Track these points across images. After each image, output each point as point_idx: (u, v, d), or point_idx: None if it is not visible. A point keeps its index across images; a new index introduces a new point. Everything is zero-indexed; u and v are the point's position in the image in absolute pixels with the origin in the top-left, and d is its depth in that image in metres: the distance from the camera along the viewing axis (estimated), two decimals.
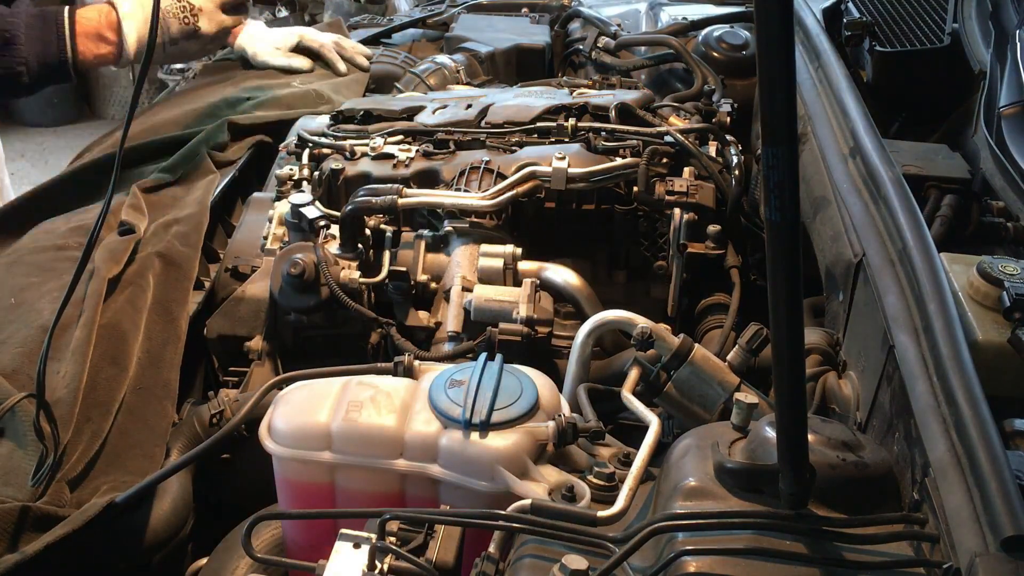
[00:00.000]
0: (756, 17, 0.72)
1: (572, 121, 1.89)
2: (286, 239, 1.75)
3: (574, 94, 2.05)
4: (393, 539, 1.06)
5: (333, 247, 1.68)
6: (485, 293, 1.58)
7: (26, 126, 5.37)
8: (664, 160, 1.83)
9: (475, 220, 1.71)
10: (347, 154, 1.88)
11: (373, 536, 1.03)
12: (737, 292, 1.68)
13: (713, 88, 2.20)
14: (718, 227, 1.72)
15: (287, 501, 1.29)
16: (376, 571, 1.01)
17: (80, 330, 1.46)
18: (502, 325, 1.52)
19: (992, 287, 1.17)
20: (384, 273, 1.67)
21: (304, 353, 1.70)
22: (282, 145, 2.07)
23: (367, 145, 1.88)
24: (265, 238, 1.80)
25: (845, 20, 1.96)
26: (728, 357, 1.41)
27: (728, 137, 1.92)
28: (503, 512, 1.01)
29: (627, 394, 1.32)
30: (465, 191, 1.74)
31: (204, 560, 1.40)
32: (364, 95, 2.44)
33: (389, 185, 1.71)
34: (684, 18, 2.62)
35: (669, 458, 1.07)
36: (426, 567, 1.02)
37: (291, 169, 1.92)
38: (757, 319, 1.43)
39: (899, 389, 1.07)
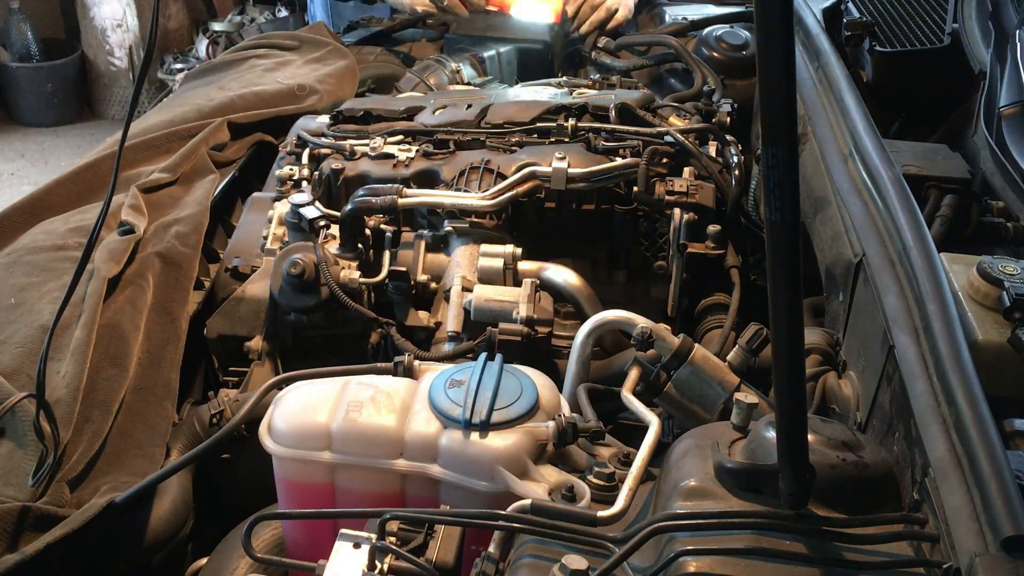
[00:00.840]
0: (756, 17, 0.72)
1: (572, 121, 1.89)
2: (286, 239, 1.75)
3: (574, 94, 2.06)
4: (393, 539, 1.06)
5: (333, 247, 1.68)
6: (485, 293, 1.58)
7: (26, 126, 5.37)
8: (664, 160, 1.83)
9: (475, 220, 1.71)
10: (347, 154, 1.88)
11: (373, 536, 1.03)
12: (737, 292, 1.68)
13: (713, 88, 2.20)
14: (718, 227, 1.72)
15: (287, 501, 1.29)
16: (376, 571, 1.01)
17: (80, 330, 1.46)
18: (502, 325, 1.52)
19: (992, 287, 1.17)
20: (384, 273, 1.67)
21: (304, 353, 1.70)
22: (282, 145, 2.07)
23: (367, 145, 1.88)
24: (265, 238, 1.81)
25: (845, 20, 1.96)
26: (728, 357, 1.41)
27: (728, 137, 1.92)
28: (503, 512, 1.01)
29: (627, 394, 1.32)
30: (465, 191, 1.74)
31: (204, 560, 1.40)
32: (364, 94, 2.44)
33: (389, 185, 1.71)
34: (684, 18, 2.62)
35: (669, 458, 1.07)
36: (426, 567, 1.02)
37: (291, 169, 1.92)
38: (757, 319, 1.43)
39: (899, 389, 1.07)
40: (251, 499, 1.33)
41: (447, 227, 1.72)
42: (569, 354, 1.46)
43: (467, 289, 1.61)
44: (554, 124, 1.89)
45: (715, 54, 2.39)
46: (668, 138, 1.83)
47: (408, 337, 1.62)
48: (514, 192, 1.71)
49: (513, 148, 1.85)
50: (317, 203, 1.70)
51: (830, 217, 1.47)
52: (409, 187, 1.73)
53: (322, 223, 1.68)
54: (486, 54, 2.58)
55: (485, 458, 1.16)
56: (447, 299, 1.62)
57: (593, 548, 0.98)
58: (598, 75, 2.40)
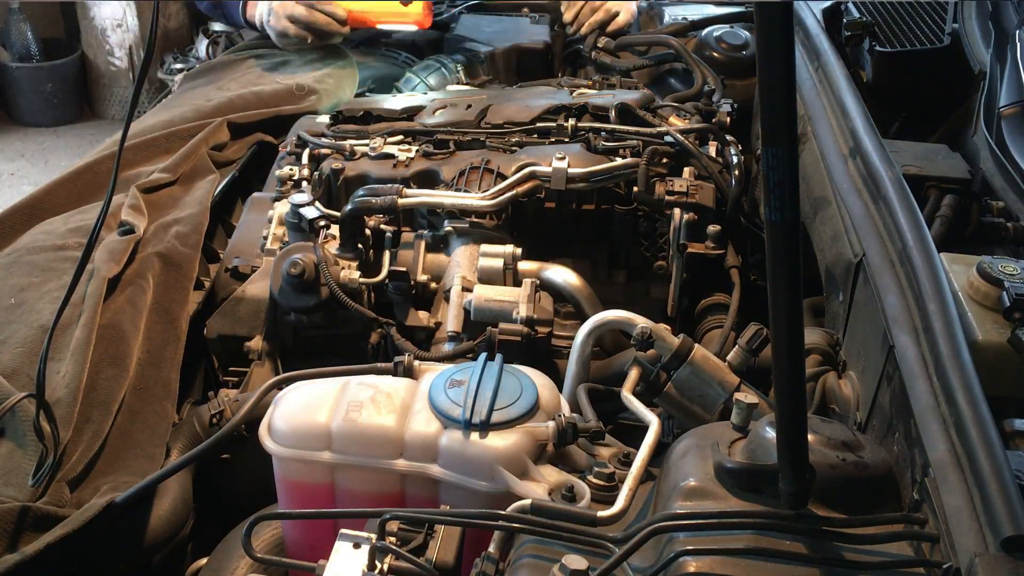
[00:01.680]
0: (756, 18, 0.72)
1: (572, 121, 1.89)
2: (286, 239, 1.75)
3: (574, 94, 2.05)
4: (393, 539, 1.06)
5: (333, 247, 1.68)
6: (485, 293, 1.58)
7: (26, 126, 5.36)
8: (664, 160, 1.83)
9: (475, 220, 1.71)
10: (347, 154, 1.88)
11: (373, 536, 1.03)
12: (737, 292, 1.68)
13: (713, 88, 2.20)
14: (718, 227, 1.72)
15: (287, 501, 1.29)
16: (376, 571, 1.01)
17: (80, 330, 1.46)
18: (502, 325, 1.52)
19: (992, 287, 1.17)
20: (384, 273, 1.67)
21: (304, 353, 1.70)
22: (282, 145, 2.07)
23: (367, 145, 1.88)
24: (265, 238, 1.81)
25: (845, 20, 1.96)
26: (728, 357, 1.41)
27: (728, 137, 1.92)
28: (503, 512, 1.01)
29: (627, 394, 1.32)
30: (465, 191, 1.74)
31: (204, 560, 1.40)
32: (364, 94, 2.44)
33: (389, 185, 1.71)
34: (684, 18, 2.62)
35: (669, 458, 1.07)
36: (426, 567, 1.02)
37: (291, 169, 1.92)
38: (757, 319, 1.43)
39: (899, 389, 1.07)
40: (251, 499, 1.33)
41: (447, 227, 1.72)
42: (569, 354, 1.46)
43: (467, 289, 1.61)
44: (554, 124, 1.89)
45: (715, 54, 2.39)
46: (668, 138, 1.83)
47: (408, 337, 1.62)
48: (514, 192, 1.71)
49: (513, 148, 1.85)
50: (317, 203, 1.71)
51: (830, 217, 1.47)
52: (409, 187, 1.73)
53: (322, 223, 1.68)
54: (486, 53, 2.58)
55: (485, 458, 1.16)
56: (447, 299, 1.62)
57: (593, 548, 0.97)
58: (598, 75, 2.40)
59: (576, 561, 0.91)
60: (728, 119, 2.01)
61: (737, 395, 1.09)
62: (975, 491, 0.87)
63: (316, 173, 1.88)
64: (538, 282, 1.62)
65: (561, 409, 1.26)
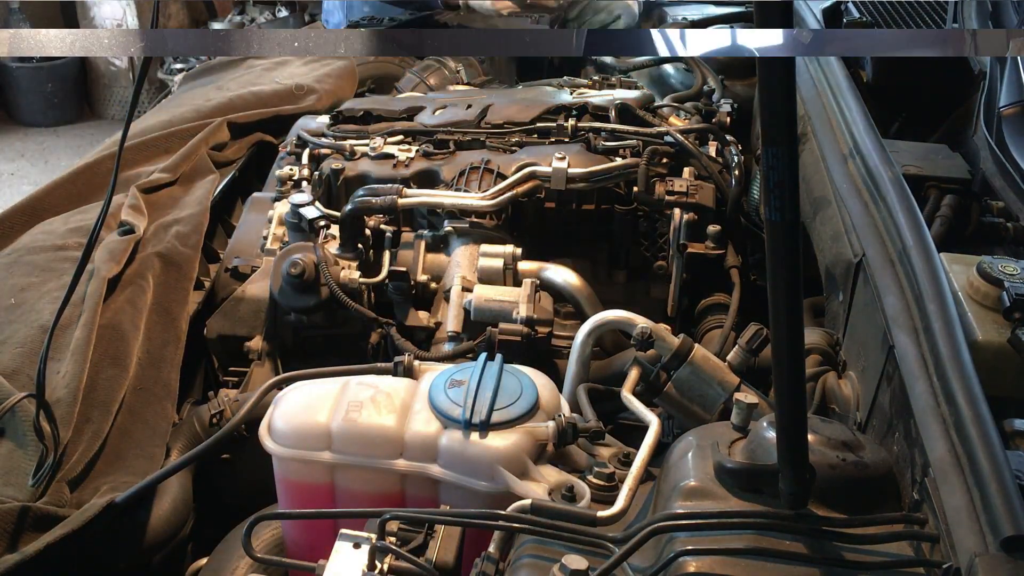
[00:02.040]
0: (756, 18, 0.72)
1: (572, 121, 1.89)
2: (286, 239, 1.75)
3: (574, 94, 2.06)
4: (393, 539, 1.06)
5: (333, 247, 1.68)
6: (485, 293, 1.58)
7: (26, 126, 5.37)
8: (664, 160, 1.83)
9: (475, 220, 1.71)
10: (347, 154, 1.88)
11: (373, 536, 1.03)
12: (737, 292, 1.68)
13: (713, 88, 2.20)
14: (718, 227, 1.72)
15: (287, 501, 1.29)
16: (376, 571, 1.01)
17: (80, 330, 1.46)
18: (502, 325, 1.52)
19: (992, 287, 1.17)
20: (384, 273, 1.67)
21: (304, 353, 1.70)
22: (282, 145, 2.07)
23: (367, 145, 1.88)
24: (265, 238, 1.81)
25: (845, 20, 1.97)
26: (728, 357, 1.41)
27: (728, 137, 1.92)
28: (503, 512, 1.01)
29: (627, 394, 1.32)
30: (465, 191, 1.74)
31: (204, 560, 1.40)
32: (364, 94, 2.44)
33: (389, 185, 1.71)
34: (684, 18, 2.63)
35: (669, 458, 1.07)
36: (426, 567, 1.02)
37: (291, 169, 1.92)
38: (757, 319, 1.43)
39: (899, 389, 1.07)
40: (251, 499, 1.33)
41: (447, 227, 1.72)
42: (569, 354, 1.46)
43: (467, 289, 1.61)
44: (554, 124, 1.89)
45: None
46: (668, 138, 1.83)
47: (408, 337, 1.62)
48: (514, 192, 1.71)
49: (513, 148, 1.85)
50: (317, 203, 1.71)
51: (830, 217, 1.47)
52: (409, 187, 1.73)
53: (322, 223, 1.68)
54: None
55: (485, 458, 1.16)
56: (447, 299, 1.62)
57: (593, 548, 0.97)
58: (598, 75, 2.40)
59: (576, 561, 0.91)
60: (728, 119, 2.01)
61: (737, 395, 1.09)
62: (975, 491, 0.87)
63: (316, 173, 1.88)
64: (538, 282, 1.62)
65: (561, 409, 1.26)
